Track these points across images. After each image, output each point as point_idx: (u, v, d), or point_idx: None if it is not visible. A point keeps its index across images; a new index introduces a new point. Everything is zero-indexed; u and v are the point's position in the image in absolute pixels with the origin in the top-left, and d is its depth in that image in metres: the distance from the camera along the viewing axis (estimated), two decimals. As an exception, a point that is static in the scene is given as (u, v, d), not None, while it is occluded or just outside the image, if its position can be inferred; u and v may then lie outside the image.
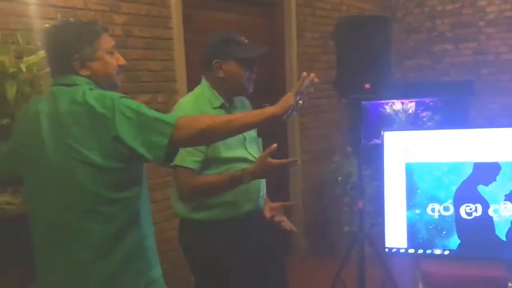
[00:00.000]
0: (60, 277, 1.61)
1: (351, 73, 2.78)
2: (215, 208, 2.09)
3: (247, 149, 2.16)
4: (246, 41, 2.15)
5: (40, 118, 1.57)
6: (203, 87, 2.15)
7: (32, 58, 2.13)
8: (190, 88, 3.13)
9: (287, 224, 2.25)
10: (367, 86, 2.75)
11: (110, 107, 1.49)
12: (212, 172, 2.04)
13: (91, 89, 1.57)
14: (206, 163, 2.03)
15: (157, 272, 1.68)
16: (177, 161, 1.94)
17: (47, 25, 2.29)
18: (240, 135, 2.08)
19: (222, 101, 2.13)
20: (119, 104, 1.50)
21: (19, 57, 2.15)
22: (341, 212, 4.09)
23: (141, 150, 1.49)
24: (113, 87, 1.67)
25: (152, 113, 1.53)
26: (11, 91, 1.98)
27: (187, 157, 1.99)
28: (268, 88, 4.07)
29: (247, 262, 2.13)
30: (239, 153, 2.11)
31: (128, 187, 1.57)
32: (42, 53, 2.19)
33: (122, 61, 1.69)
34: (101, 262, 1.55)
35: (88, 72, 1.59)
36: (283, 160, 1.99)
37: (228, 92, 2.14)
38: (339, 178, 3.99)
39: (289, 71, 4.10)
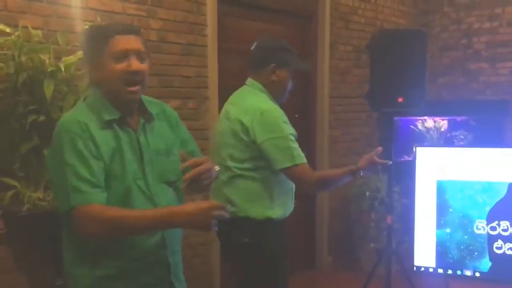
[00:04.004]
0: None
1: (384, 86, 2.76)
2: (277, 207, 2.15)
3: None
4: (294, 52, 2.27)
5: None
6: (258, 90, 2.20)
7: (71, 59, 2.17)
8: (221, 95, 3.16)
9: None
10: (400, 100, 2.72)
11: (56, 133, 1.46)
12: None
13: (89, 102, 1.53)
14: None
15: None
16: (298, 159, 2.05)
17: (85, 27, 2.36)
18: None
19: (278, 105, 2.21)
20: (62, 138, 1.43)
21: (58, 57, 2.20)
22: (367, 228, 4.02)
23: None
24: (119, 95, 1.48)
25: (72, 173, 1.40)
26: (49, 89, 2.03)
27: (301, 153, 2.09)
28: (300, 100, 4.06)
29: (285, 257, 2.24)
30: None
31: None
32: (80, 53, 2.24)
33: (131, 66, 1.46)
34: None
35: (97, 80, 1.50)
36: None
37: (274, 96, 2.22)
38: (367, 193, 3.93)
39: (321, 83, 4.08)
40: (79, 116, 1.46)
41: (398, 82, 2.72)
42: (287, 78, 2.21)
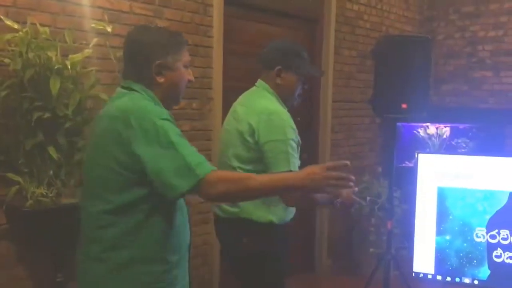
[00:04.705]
0: (78, 270, 1.62)
1: (388, 92, 2.76)
2: (279, 211, 2.16)
3: None
4: (306, 57, 2.24)
5: (96, 118, 1.62)
6: (266, 91, 2.19)
7: (77, 56, 2.19)
8: (225, 97, 3.18)
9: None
10: (404, 106, 2.72)
11: (144, 126, 1.44)
12: None
13: (143, 96, 1.55)
14: None
15: None
16: (293, 167, 2.01)
17: (92, 25, 2.38)
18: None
19: (286, 108, 2.19)
20: (157, 128, 1.44)
21: (64, 54, 2.22)
22: (367, 233, 4.03)
23: (156, 184, 1.43)
24: (175, 101, 1.65)
25: (185, 150, 1.44)
26: (55, 86, 2.04)
27: (296, 161, 2.05)
28: (303, 103, 4.06)
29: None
30: None
31: (136, 202, 1.49)
32: (87, 51, 2.26)
33: (192, 77, 1.66)
34: (93, 265, 1.53)
35: (162, 80, 1.57)
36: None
37: (281, 99, 2.20)
38: (368, 198, 3.93)
39: (325, 87, 4.09)
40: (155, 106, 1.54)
41: (402, 88, 2.72)
42: (293, 82, 2.18)
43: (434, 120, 4.29)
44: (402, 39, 3.00)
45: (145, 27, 1.69)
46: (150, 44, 1.56)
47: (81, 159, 2.21)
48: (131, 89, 1.56)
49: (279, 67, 2.15)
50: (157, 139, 1.43)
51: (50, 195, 2.15)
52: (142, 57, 1.56)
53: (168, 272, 1.55)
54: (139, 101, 1.52)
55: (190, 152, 1.45)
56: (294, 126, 2.11)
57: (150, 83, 1.57)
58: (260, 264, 2.15)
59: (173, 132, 1.46)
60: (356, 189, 2.09)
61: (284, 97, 2.19)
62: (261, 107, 2.12)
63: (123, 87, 1.59)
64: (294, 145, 2.07)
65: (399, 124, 3.43)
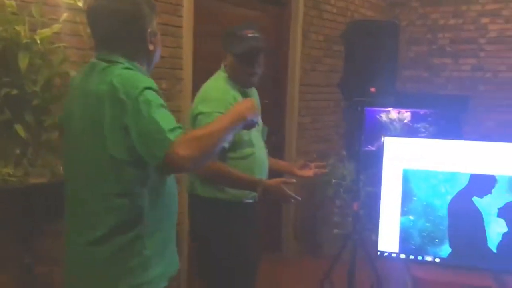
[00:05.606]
0: (67, 256, 1.58)
1: (357, 76, 2.81)
2: (232, 190, 2.17)
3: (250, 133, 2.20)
4: (251, 34, 2.16)
5: (73, 90, 1.57)
6: (222, 71, 2.25)
7: (46, 31, 2.11)
8: (195, 77, 3.15)
9: None
10: (372, 90, 2.78)
11: (132, 95, 1.39)
12: (237, 155, 2.13)
13: (127, 68, 1.47)
14: (232, 146, 2.10)
15: (153, 272, 1.54)
16: None
17: None
18: None
19: (237, 91, 2.20)
20: (141, 96, 1.39)
21: (32, 29, 2.13)
22: (332, 214, 4.12)
23: (142, 153, 1.41)
24: (154, 63, 1.63)
25: (161, 117, 1.39)
26: (23, 61, 1.97)
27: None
28: (270, 86, 4.09)
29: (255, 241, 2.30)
30: (250, 136, 2.18)
31: (134, 182, 1.48)
32: (56, 27, 2.18)
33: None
34: (96, 248, 1.50)
35: (152, 47, 1.54)
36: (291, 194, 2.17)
37: (233, 80, 2.22)
38: (333, 181, 4.02)
39: (292, 71, 4.11)
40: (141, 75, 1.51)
41: (370, 72, 2.77)
42: (232, 62, 2.18)
43: (397, 105, 4.40)
44: (371, 24, 3.06)
45: None
46: (136, 13, 1.49)
47: (49, 138, 2.16)
48: (111, 61, 1.49)
49: (223, 49, 2.21)
50: (139, 108, 1.38)
51: (18, 174, 2.09)
52: (135, 28, 1.50)
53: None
54: (126, 73, 1.45)
55: (167, 121, 1.40)
56: (232, 101, 2.09)
57: (142, 54, 1.53)
58: (216, 243, 2.16)
59: (156, 102, 1.40)
60: (294, 180, 2.15)
61: (233, 78, 2.20)
62: (207, 85, 2.20)
63: (104, 60, 1.50)
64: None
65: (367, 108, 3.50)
